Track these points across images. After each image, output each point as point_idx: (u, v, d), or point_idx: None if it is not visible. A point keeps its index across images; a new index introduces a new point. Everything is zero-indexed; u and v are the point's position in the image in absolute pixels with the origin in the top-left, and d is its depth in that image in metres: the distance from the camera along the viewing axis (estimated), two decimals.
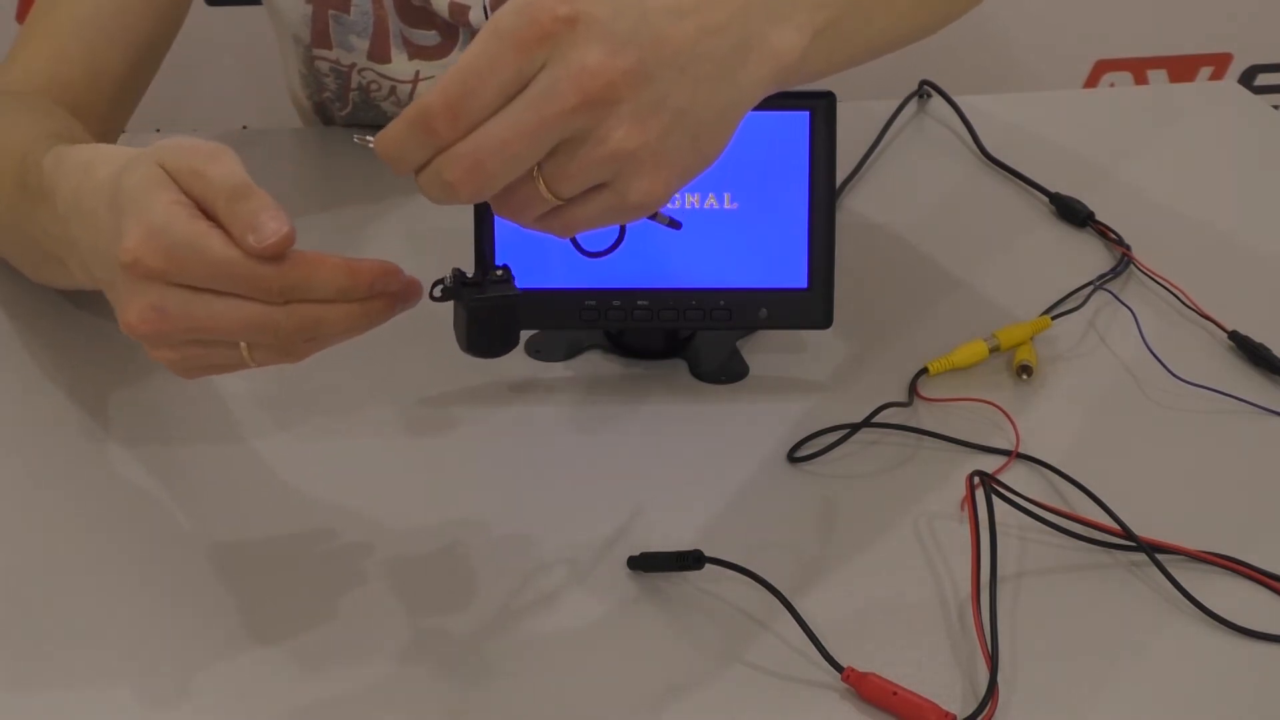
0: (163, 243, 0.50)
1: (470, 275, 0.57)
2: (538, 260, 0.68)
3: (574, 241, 0.58)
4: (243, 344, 0.53)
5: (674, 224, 0.57)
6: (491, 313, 0.57)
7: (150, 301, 0.51)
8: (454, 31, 0.91)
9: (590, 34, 0.48)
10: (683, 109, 0.50)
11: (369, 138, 0.51)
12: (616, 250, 0.71)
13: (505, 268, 0.58)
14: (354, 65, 0.92)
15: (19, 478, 0.68)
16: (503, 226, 0.69)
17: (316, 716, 0.56)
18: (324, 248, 0.83)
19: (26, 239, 0.67)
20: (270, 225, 0.50)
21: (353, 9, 0.90)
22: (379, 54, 0.92)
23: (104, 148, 0.57)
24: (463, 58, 0.49)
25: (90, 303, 0.78)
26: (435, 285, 0.57)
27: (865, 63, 0.62)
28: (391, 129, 0.50)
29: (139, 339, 0.52)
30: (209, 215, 0.51)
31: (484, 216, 0.69)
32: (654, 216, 0.55)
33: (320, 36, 0.91)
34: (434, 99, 0.48)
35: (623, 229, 0.59)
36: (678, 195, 0.70)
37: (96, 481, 0.68)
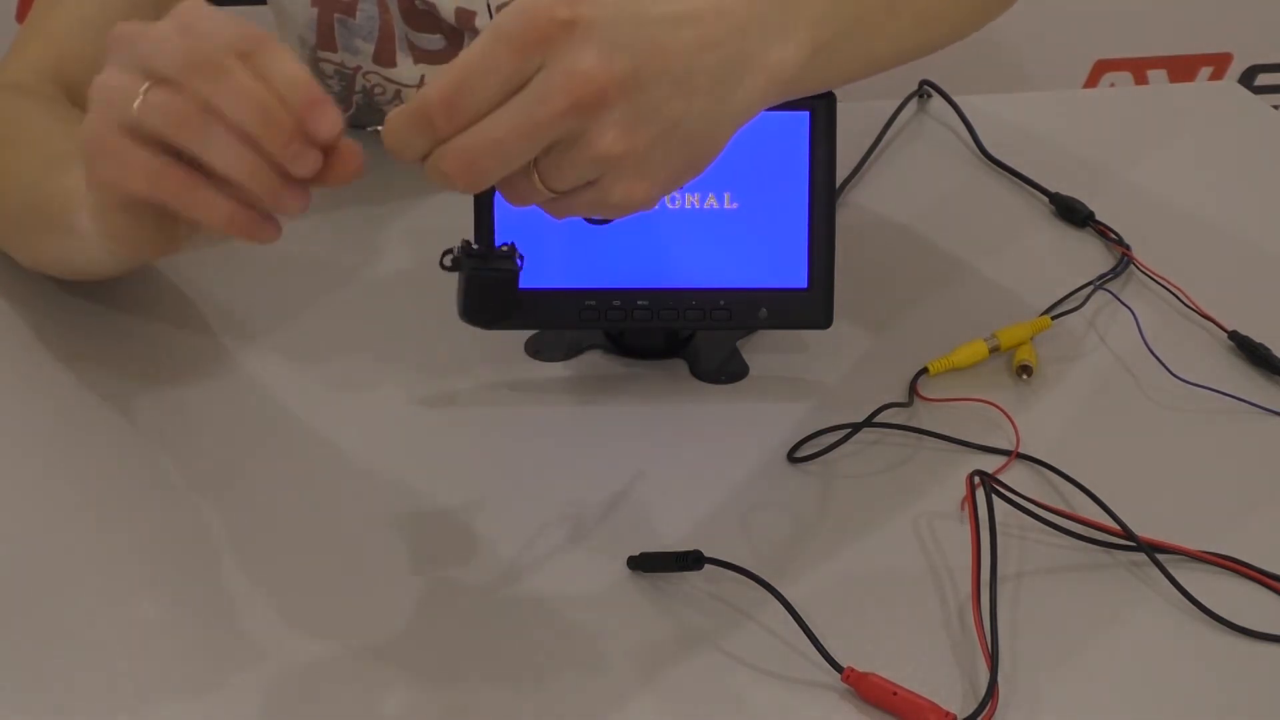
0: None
1: (477, 247, 0.59)
2: (538, 260, 0.68)
3: None
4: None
5: None
6: (489, 284, 0.59)
7: None
8: (459, 36, 0.91)
9: (587, 38, 0.49)
10: (675, 120, 0.51)
11: (380, 127, 0.53)
12: (617, 249, 0.71)
13: (512, 245, 0.59)
14: (359, 68, 0.92)
15: (39, 476, 0.68)
16: (502, 224, 0.70)
17: (316, 713, 0.57)
18: (325, 247, 0.84)
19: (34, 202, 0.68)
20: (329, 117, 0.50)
21: (358, 13, 0.90)
22: (384, 58, 0.92)
23: None
24: (464, 54, 0.50)
25: (111, 299, 0.78)
26: (445, 254, 0.59)
27: (865, 78, 0.62)
28: (394, 118, 0.51)
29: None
30: None
31: (483, 212, 0.69)
32: None
33: (325, 39, 0.91)
34: (433, 93, 0.50)
35: None
36: (678, 194, 0.71)
37: (108, 474, 0.68)
